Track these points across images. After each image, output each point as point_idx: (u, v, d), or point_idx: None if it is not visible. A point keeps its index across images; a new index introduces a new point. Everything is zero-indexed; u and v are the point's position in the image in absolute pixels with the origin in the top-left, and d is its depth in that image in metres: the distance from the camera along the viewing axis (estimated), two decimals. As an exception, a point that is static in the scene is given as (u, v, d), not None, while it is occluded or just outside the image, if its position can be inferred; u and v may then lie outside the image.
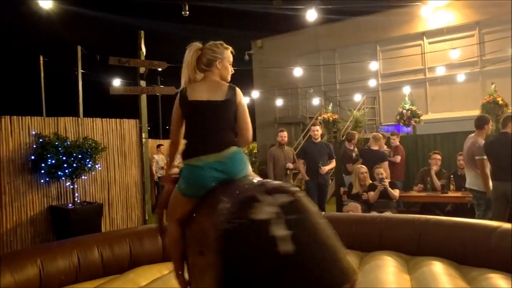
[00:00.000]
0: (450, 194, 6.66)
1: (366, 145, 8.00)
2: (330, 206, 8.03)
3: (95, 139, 6.24)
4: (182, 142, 2.60)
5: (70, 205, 5.90)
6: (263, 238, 1.93)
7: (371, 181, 6.45)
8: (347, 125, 12.59)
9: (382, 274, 3.49)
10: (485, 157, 5.08)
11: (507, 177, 4.79)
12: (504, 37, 11.31)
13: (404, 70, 14.23)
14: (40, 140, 5.75)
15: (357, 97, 13.90)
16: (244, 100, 2.61)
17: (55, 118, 6.15)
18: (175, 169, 2.80)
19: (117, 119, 6.85)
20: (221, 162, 2.37)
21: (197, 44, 2.63)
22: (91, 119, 6.58)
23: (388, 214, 5.44)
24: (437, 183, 6.82)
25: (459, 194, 6.48)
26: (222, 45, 2.64)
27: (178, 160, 2.73)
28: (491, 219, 4.76)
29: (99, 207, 6.16)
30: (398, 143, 7.78)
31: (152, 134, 19.43)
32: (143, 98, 6.89)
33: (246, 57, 16.57)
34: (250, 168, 2.57)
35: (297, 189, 2.14)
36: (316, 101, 14.68)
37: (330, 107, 13.16)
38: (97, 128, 6.58)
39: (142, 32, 7.03)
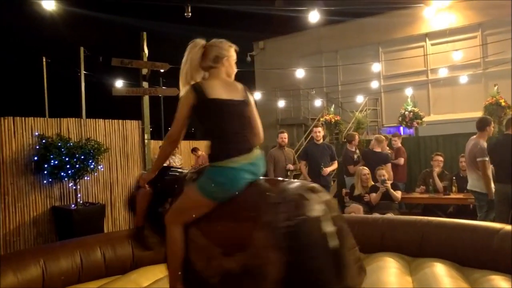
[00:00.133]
0: (452, 195, 6.64)
1: (368, 147, 8.00)
2: (332, 207, 8.01)
3: (98, 140, 6.25)
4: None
5: (73, 205, 5.92)
6: (318, 234, 2.07)
7: (373, 183, 6.45)
8: (349, 126, 12.58)
9: (384, 275, 3.49)
10: (487, 159, 5.08)
11: (510, 179, 4.78)
12: (507, 38, 11.30)
13: (406, 71, 14.22)
14: (43, 141, 5.76)
15: (359, 99, 13.89)
16: None
17: (58, 119, 6.17)
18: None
19: (120, 120, 6.86)
20: (252, 163, 2.34)
21: (201, 41, 2.52)
22: (94, 120, 6.60)
23: (390, 215, 5.44)
24: (439, 184, 6.81)
25: (461, 195, 6.47)
26: (227, 43, 2.55)
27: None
28: (493, 221, 4.75)
29: (101, 207, 6.17)
30: (399, 145, 7.78)
31: (155, 136, 19.46)
32: (146, 99, 6.91)
33: (248, 59, 16.59)
34: None
35: None
36: (318, 102, 14.67)
37: (332, 109, 13.14)
38: (100, 129, 6.59)
39: (145, 34, 7.06)
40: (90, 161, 5.89)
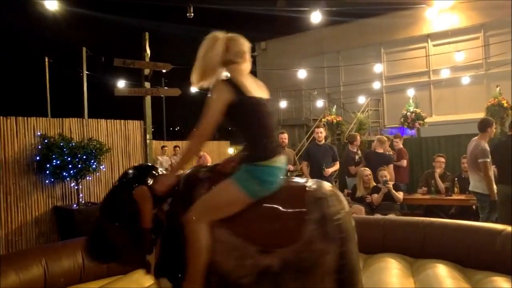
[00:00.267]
0: (454, 196, 6.62)
1: (370, 147, 7.99)
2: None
3: (100, 140, 6.27)
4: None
5: (75, 205, 5.93)
6: (351, 227, 2.28)
7: (375, 184, 6.44)
8: (351, 127, 12.58)
9: (386, 276, 3.49)
10: (488, 160, 5.06)
11: (512, 180, 4.78)
12: (509, 39, 11.28)
13: (408, 72, 14.21)
14: (45, 141, 5.78)
15: (361, 99, 13.89)
16: None
17: (60, 119, 6.18)
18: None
19: (122, 120, 6.87)
20: (285, 163, 2.40)
21: (222, 33, 2.37)
22: (96, 120, 6.62)
23: (392, 216, 5.43)
24: (441, 185, 6.80)
25: (463, 196, 6.45)
26: (244, 38, 2.43)
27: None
28: (495, 222, 4.74)
29: (103, 208, 6.17)
30: (401, 146, 7.77)
31: (156, 136, 19.47)
32: (148, 99, 6.92)
33: (250, 59, 16.60)
34: None
35: None
36: (320, 103, 14.67)
37: (334, 109, 13.14)
38: (102, 129, 6.61)
39: (147, 34, 7.07)
40: (92, 161, 5.90)
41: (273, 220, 2.20)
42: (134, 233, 2.43)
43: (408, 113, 10.32)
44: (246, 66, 2.42)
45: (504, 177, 4.94)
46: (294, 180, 2.57)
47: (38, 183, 5.83)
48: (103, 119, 6.67)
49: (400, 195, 6.26)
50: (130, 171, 2.61)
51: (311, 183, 2.33)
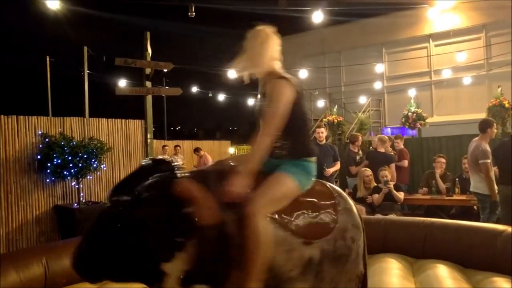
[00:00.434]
0: (455, 197, 6.62)
1: (371, 147, 7.98)
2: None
3: (101, 139, 6.27)
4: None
5: (75, 204, 5.93)
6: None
7: (376, 184, 6.43)
8: (351, 127, 12.57)
9: (387, 276, 3.49)
10: (489, 160, 5.05)
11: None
12: (511, 40, 11.26)
13: (409, 72, 14.20)
14: (46, 140, 5.79)
15: (362, 100, 13.88)
16: None
17: (61, 118, 6.19)
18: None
19: (123, 120, 6.88)
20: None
21: (270, 28, 2.38)
22: (97, 119, 6.62)
23: (392, 216, 5.42)
24: (442, 186, 6.79)
25: (464, 197, 6.44)
26: None
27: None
28: (496, 222, 4.73)
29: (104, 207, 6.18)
30: (402, 146, 7.76)
31: (157, 135, 19.50)
32: (149, 98, 6.93)
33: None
34: None
35: None
36: (321, 103, 14.68)
37: (335, 109, 13.15)
38: (103, 128, 6.61)
39: (148, 33, 7.08)
40: (93, 160, 5.91)
41: (313, 212, 2.32)
42: (155, 238, 2.09)
43: (409, 113, 10.32)
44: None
45: (505, 178, 4.94)
46: None
47: (39, 182, 5.84)
48: (104, 118, 6.68)
49: (401, 195, 6.25)
50: (156, 165, 2.27)
51: (325, 182, 2.60)
